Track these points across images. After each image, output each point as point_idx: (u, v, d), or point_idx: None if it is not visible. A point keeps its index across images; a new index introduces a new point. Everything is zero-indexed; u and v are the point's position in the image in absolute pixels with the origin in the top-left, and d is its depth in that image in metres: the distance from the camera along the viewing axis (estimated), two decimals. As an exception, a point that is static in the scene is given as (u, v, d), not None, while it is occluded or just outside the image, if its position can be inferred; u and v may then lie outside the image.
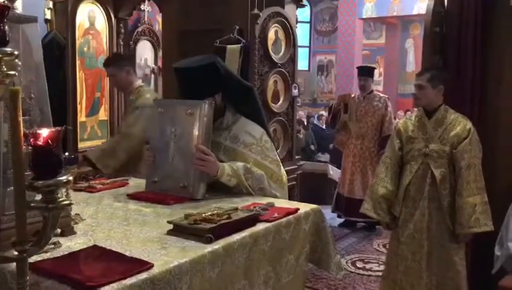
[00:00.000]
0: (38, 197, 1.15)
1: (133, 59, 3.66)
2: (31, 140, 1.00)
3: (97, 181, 2.46)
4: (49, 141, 1.00)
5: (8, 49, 1.09)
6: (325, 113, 10.72)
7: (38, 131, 1.00)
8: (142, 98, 3.53)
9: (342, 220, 5.88)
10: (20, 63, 1.41)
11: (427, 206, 3.01)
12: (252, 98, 2.43)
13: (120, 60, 3.68)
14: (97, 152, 3.48)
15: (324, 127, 9.92)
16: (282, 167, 2.38)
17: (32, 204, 1.05)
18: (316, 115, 10.88)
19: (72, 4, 4.93)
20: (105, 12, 5.24)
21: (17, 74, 1.17)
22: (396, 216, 3.12)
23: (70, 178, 1.05)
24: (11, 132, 1.00)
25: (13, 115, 0.98)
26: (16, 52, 1.11)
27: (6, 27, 1.10)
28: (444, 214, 2.98)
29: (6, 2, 1.58)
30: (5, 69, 1.10)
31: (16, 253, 1.03)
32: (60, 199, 1.04)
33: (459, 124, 2.97)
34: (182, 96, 2.31)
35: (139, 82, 3.66)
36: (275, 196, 2.24)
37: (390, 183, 3.11)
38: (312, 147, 8.94)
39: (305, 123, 10.34)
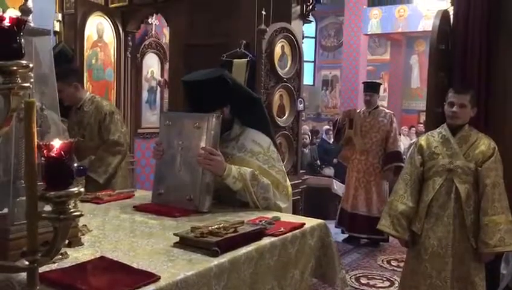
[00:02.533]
0: (47, 207, 1.16)
1: (80, 73, 3.68)
2: (45, 151, 1.01)
3: (103, 192, 2.47)
4: (62, 152, 1.02)
5: (24, 62, 1.11)
6: (329, 127, 10.72)
7: (52, 142, 1.01)
8: (104, 107, 3.62)
9: (346, 235, 5.85)
10: (32, 75, 1.43)
11: (452, 222, 2.95)
12: (259, 109, 2.46)
13: (67, 75, 3.56)
14: (86, 164, 3.52)
15: (331, 141, 9.90)
16: (287, 178, 2.39)
17: (43, 215, 1.06)
18: (324, 129, 10.88)
19: (81, 17, 5.00)
20: (113, 25, 5.31)
21: (31, 86, 1.19)
22: (417, 233, 3.06)
23: (82, 189, 1.06)
24: (25, 143, 1.02)
25: (28, 127, 1.00)
26: (30, 65, 1.13)
27: (23, 40, 1.12)
28: (467, 232, 2.93)
29: (21, 15, 1.61)
30: (19, 81, 1.12)
31: (27, 263, 1.04)
32: (71, 210, 1.05)
33: (484, 143, 2.96)
34: (190, 109, 2.33)
35: (88, 94, 3.71)
36: (279, 208, 2.24)
37: (410, 200, 3.05)
38: (318, 162, 8.91)
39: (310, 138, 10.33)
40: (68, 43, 5.44)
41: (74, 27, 5.08)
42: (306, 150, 8.65)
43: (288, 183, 2.38)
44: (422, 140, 3.16)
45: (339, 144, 6.01)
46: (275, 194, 2.24)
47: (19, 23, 1.09)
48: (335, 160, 8.44)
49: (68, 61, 5.02)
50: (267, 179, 2.23)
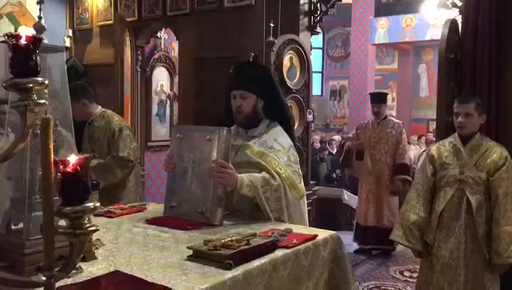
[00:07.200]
0: (61, 222, 1.17)
1: (88, 88, 3.74)
2: (61, 167, 1.02)
3: (116, 206, 2.48)
4: (78, 168, 1.03)
5: (39, 79, 1.13)
6: (337, 138, 10.68)
7: (68, 158, 1.02)
8: (114, 122, 3.62)
9: (357, 246, 5.80)
10: (46, 91, 1.45)
11: (463, 233, 2.92)
12: (287, 114, 2.61)
13: (75, 92, 3.47)
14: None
15: (334, 152, 9.84)
16: (302, 182, 2.42)
17: (59, 230, 1.07)
18: (327, 140, 10.82)
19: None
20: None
21: (46, 102, 1.20)
22: (430, 244, 3.02)
23: (98, 204, 1.06)
24: (42, 159, 1.03)
25: (45, 143, 1.01)
26: (46, 82, 1.15)
27: (38, 58, 1.14)
28: (480, 243, 2.89)
29: (35, 33, 1.64)
30: (35, 98, 1.13)
31: (43, 278, 1.04)
32: (87, 225, 1.05)
33: (495, 152, 2.92)
34: (231, 88, 2.43)
35: (99, 109, 3.71)
36: (287, 204, 2.27)
37: (423, 210, 3.02)
38: (334, 174, 8.80)
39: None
40: (78, 58, 5.52)
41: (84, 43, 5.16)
42: (324, 163, 8.63)
43: (302, 186, 2.41)
44: (434, 150, 3.13)
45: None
46: (286, 193, 2.27)
47: (35, 42, 1.11)
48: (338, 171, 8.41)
49: (79, 76, 5.09)
50: (283, 173, 2.27)
